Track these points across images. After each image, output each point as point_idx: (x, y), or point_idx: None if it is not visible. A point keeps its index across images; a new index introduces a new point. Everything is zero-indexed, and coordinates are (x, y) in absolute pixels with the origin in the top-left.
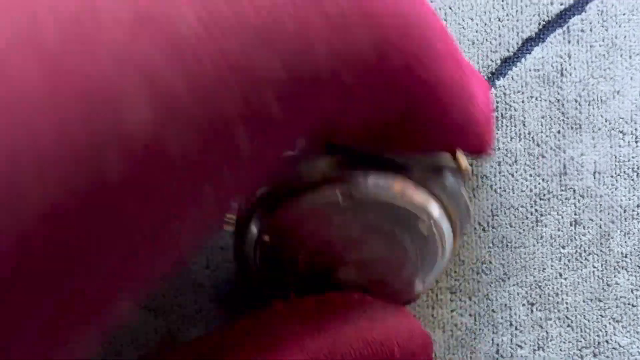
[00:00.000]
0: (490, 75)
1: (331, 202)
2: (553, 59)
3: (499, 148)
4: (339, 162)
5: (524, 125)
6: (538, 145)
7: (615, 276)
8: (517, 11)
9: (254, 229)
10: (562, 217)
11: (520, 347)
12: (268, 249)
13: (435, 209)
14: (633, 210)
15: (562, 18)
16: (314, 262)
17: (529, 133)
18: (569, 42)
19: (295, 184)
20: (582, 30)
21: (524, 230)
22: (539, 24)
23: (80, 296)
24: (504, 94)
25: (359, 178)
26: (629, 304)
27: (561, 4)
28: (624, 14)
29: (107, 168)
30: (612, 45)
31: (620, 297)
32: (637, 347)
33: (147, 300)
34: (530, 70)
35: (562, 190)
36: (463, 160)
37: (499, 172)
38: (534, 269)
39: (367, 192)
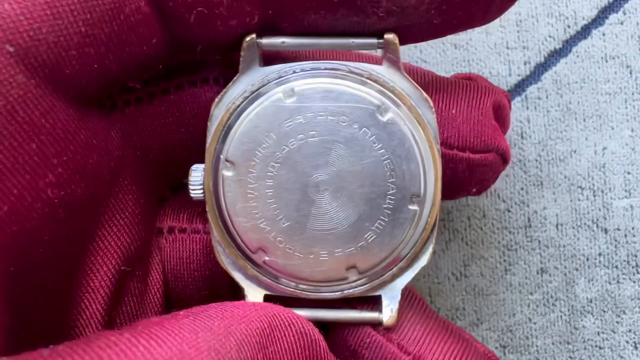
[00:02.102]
0: None
1: (276, 103)
2: (514, 123)
3: (468, 204)
4: (278, 70)
5: None
6: (504, 201)
7: (581, 320)
8: None
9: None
10: (529, 266)
11: None
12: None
13: (381, 96)
14: (595, 259)
15: (520, 87)
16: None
17: (495, 190)
18: (527, 108)
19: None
20: (539, 98)
21: (494, 278)
22: None
23: None
24: None
25: (298, 78)
26: (596, 346)
27: (519, 75)
28: (576, 82)
29: None
30: (567, 110)
31: (588, 339)
32: None
33: None
34: None
35: (528, 242)
36: (391, 35)
37: (469, 226)
38: (505, 314)
39: (308, 87)
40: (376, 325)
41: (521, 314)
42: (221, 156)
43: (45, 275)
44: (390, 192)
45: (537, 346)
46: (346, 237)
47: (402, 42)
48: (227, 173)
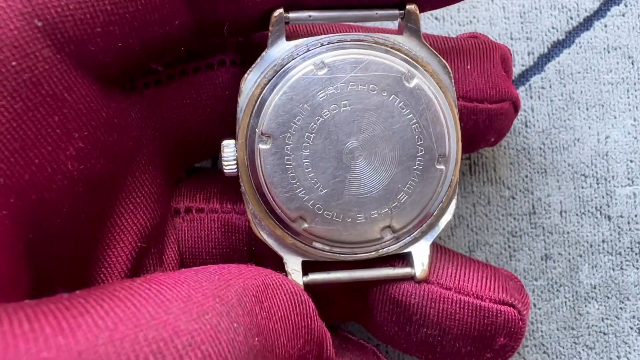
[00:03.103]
0: None
1: (309, 75)
2: (518, 112)
3: (473, 191)
4: (306, 44)
5: (494, 170)
6: (508, 188)
7: (586, 306)
8: None
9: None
10: (534, 253)
11: None
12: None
13: (406, 64)
14: (599, 245)
15: (524, 77)
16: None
17: (500, 178)
18: (531, 97)
19: (271, 73)
20: (543, 87)
21: (499, 264)
22: None
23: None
24: None
25: (326, 50)
26: (600, 331)
27: (522, 65)
28: (579, 72)
29: None
30: (570, 99)
31: (592, 325)
32: None
33: None
34: None
35: (532, 228)
36: (412, 5)
37: (474, 213)
38: None
39: (338, 58)
40: (409, 279)
41: None
42: (257, 130)
43: (65, 248)
44: (420, 154)
45: (542, 331)
46: (380, 199)
47: (422, 9)
48: (263, 146)
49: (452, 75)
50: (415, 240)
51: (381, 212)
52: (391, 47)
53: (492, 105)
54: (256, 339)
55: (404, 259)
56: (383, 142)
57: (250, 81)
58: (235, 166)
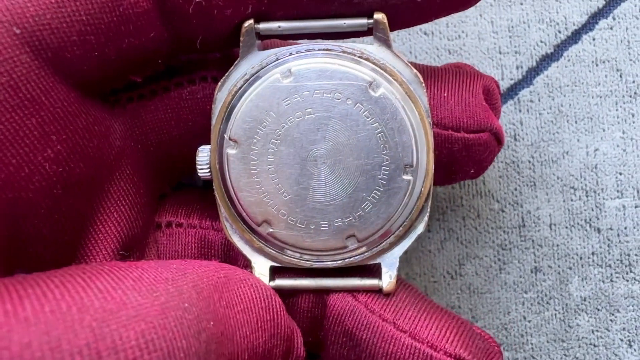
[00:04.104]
0: None
1: (275, 83)
2: (507, 126)
3: (462, 205)
4: (276, 53)
5: (484, 184)
6: (498, 201)
7: (576, 318)
8: None
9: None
10: (523, 265)
11: None
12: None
13: (373, 73)
14: (588, 258)
15: (512, 91)
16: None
17: (489, 191)
18: (520, 111)
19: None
20: (531, 101)
21: (489, 277)
22: None
23: None
24: None
25: (294, 59)
26: (590, 344)
27: (511, 79)
28: (567, 85)
29: None
30: (559, 113)
31: (582, 337)
32: None
33: None
34: None
35: (522, 241)
36: (380, 15)
37: (464, 226)
38: (500, 312)
39: (304, 67)
40: (376, 292)
41: (516, 312)
42: (225, 135)
43: (44, 250)
44: (385, 163)
45: (532, 344)
46: (344, 207)
47: (392, 26)
48: (231, 151)
49: (424, 85)
50: (383, 251)
51: (345, 220)
52: (359, 57)
53: (468, 135)
54: (211, 323)
55: (374, 271)
56: (348, 150)
57: (224, 90)
58: (208, 170)
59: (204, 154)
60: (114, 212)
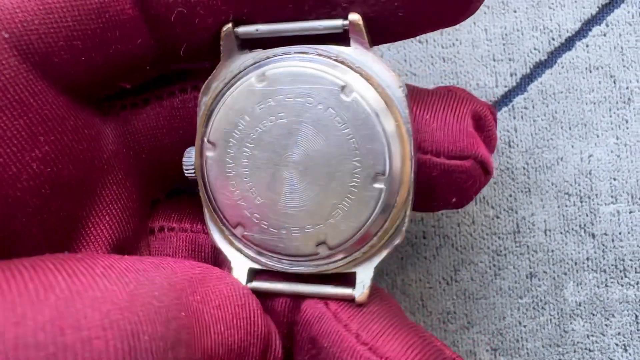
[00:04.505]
0: None
1: (250, 87)
2: (501, 132)
3: (457, 211)
4: (254, 56)
5: None
6: (492, 207)
7: (571, 323)
8: None
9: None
10: (519, 271)
11: None
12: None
13: (346, 76)
14: (583, 263)
15: (507, 98)
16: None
17: (484, 197)
18: (514, 117)
19: (220, 87)
20: (526, 108)
21: (484, 283)
22: None
23: None
24: None
25: (270, 62)
26: (585, 348)
27: (505, 86)
28: (561, 92)
29: None
30: (553, 119)
31: (577, 342)
32: None
33: None
34: None
35: (517, 247)
36: (355, 16)
37: (459, 232)
38: (495, 317)
39: (278, 70)
40: (349, 301)
41: (511, 317)
42: (204, 138)
43: (32, 249)
44: (356, 170)
45: (527, 349)
46: (315, 214)
47: (376, 39)
48: (209, 154)
49: (404, 88)
50: (356, 260)
51: (316, 227)
52: (334, 60)
53: (449, 161)
54: (183, 314)
55: (350, 280)
56: (319, 156)
57: (208, 92)
58: (193, 171)
59: (189, 156)
60: (105, 215)
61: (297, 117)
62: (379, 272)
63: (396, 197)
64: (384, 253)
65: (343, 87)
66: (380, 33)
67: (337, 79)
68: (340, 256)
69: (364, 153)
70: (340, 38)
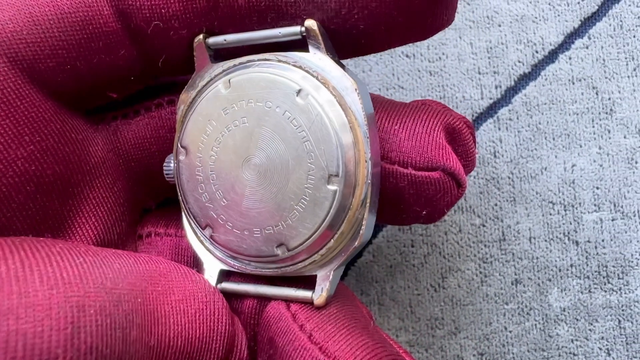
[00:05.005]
0: None
1: (217, 94)
2: (487, 143)
3: (444, 220)
4: (222, 65)
5: (465, 199)
6: (479, 216)
7: (555, 328)
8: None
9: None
10: (504, 278)
11: None
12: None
13: (303, 81)
14: (567, 270)
15: (492, 109)
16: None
17: (470, 206)
18: (499, 129)
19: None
20: (510, 119)
21: (471, 290)
22: (472, 116)
23: None
24: None
25: (236, 70)
26: (570, 352)
27: (490, 98)
28: (545, 103)
29: None
30: (537, 130)
31: (562, 347)
32: None
33: None
34: None
35: (503, 254)
36: (310, 22)
37: (446, 241)
38: (482, 323)
39: (241, 77)
40: (308, 304)
41: (497, 323)
42: (178, 143)
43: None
44: (311, 172)
45: (513, 354)
46: (274, 215)
47: (345, 52)
48: (181, 157)
49: (358, 92)
50: (315, 263)
51: (275, 228)
52: (293, 65)
53: (416, 172)
54: (139, 300)
55: (314, 281)
56: (278, 158)
57: (184, 102)
58: (172, 175)
59: (169, 161)
60: (92, 216)
61: (258, 121)
62: (344, 275)
63: (351, 199)
64: (343, 256)
65: (299, 91)
66: (346, 46)
67: (293, 83)
68: (301, 258)
69: (318, 155)
70: (304, 45)
